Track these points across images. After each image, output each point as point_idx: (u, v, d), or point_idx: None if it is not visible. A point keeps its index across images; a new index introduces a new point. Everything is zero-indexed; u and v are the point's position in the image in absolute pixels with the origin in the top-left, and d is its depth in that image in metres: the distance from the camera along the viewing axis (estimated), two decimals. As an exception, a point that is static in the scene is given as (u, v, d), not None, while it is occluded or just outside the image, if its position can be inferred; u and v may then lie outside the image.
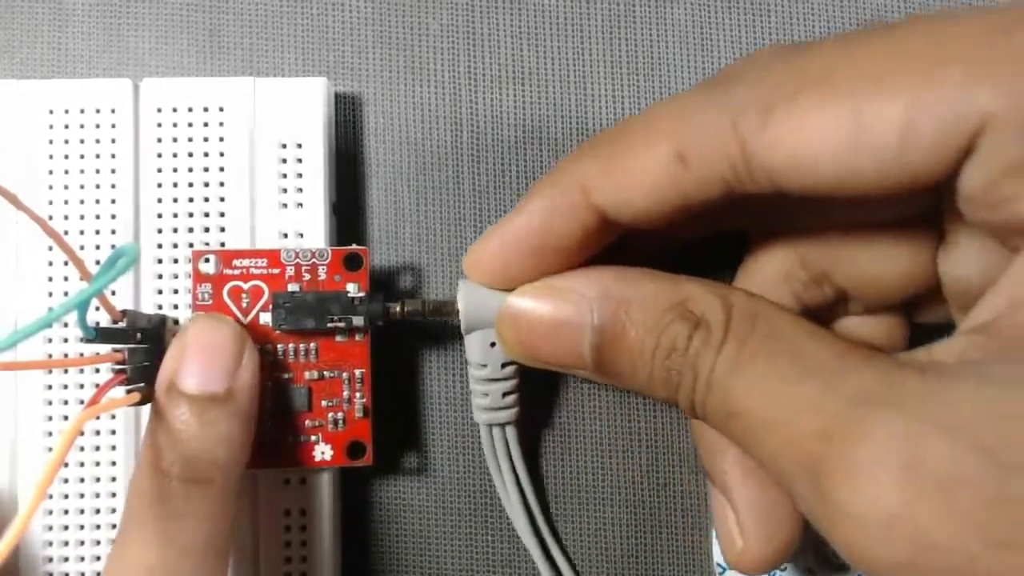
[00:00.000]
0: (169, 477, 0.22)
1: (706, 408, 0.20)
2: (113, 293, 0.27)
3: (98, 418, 0.27)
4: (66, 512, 0.27)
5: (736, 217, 0.25)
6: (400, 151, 0.31)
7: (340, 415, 0.26)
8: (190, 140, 0.28)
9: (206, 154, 0.28)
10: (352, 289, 0.26)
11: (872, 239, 0.23)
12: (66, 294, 0.27)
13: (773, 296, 0.23)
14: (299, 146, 0.28)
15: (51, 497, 0.27)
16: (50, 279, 0.27)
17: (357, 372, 0.26)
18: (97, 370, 0.27)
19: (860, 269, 0.24)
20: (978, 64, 0.17)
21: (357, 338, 0.26)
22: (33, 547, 0.27)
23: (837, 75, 0.18)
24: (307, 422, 0.26)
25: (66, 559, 0.27)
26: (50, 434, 0.27)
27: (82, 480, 0.27)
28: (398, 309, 0.26)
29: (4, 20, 0.31)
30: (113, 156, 0.28)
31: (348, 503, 0.29)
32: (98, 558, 0.27)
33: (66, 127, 0.28)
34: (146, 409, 0.27)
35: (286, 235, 0.28)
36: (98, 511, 0.27)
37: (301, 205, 0.28)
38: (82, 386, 0.27)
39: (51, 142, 0.28)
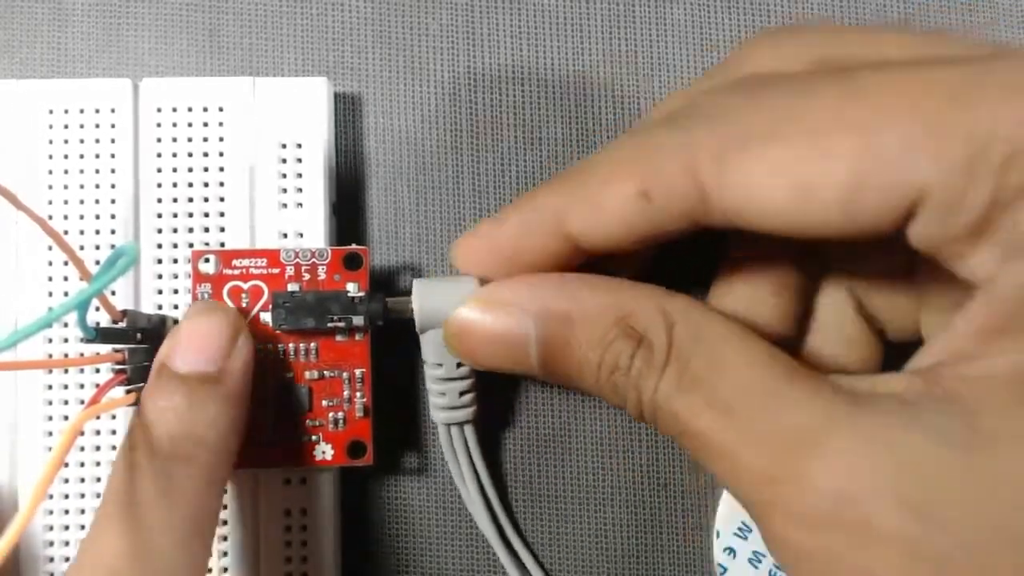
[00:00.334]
0: (154, 454, 0.22)
1: (656, 424, 0.21)
2: (113, 293, 0.27)
3: (98, 418, 0.27)
4: (66, 512, 0.27)
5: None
6: (400, 151, 0.31)
7: (340, 415, 0.26)
8: (190, 140, 0.28)
9: (206, 154, 0.28)
10: (352, 289, 0.26)
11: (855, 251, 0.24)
12: (66, 294, 0.27)
13: (759, 281, 0.24)
14: (299, 146, 0.28)
15: (51, 497, 0.27)
16: (50, 279, 0.27)
17: (357, 372, 0.26)
18: (97, 370, 0.27)
19: (842, 262, 0.25)
20: (917, 133, 0.17)
21: (357, 338, 0.26)
22: (33, 547, 0.27)
23: (789, 125, 0.19)
24: (307, 422, 0.26)
25: (66, 559, 0.27)
26: (50, 434, 0.27)
27: (82, 480, 0.27)
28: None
29: (4, 20, 0.31)
30: (113, 156, 0.28)
31: (348, 503, 0.29)
32: (98, 558, 0.27)
33: (66, 127, 0.28)
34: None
35: (286, 235, 0.28)
36: (98, 511, 0.27)
37: (301, 205, 0.28)
38: (82, 386, 0.27)
39: (51, 142, 0.28)
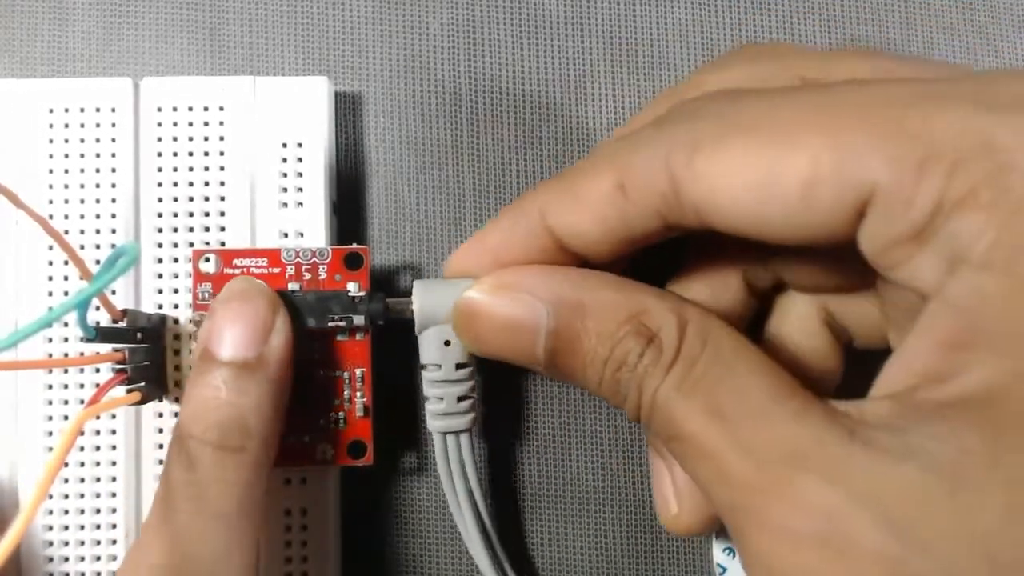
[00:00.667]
0: (202, 443, 0.23)
1: (650, 424, 0.21)
2: (113, 293, 0.27)
3: (98, 418, 0.27)
4: (66, 512, 0.27)
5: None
6: (400, 151, 0.31)
7: (341, 414, 0.26)
8: (190, 139, 0.28)
9: (206, 153, 0.28)
10: (352, 288, 0.26)
11: (813, 252, 0.24)
12: (66, 294, 0.27)
13: (720, 273, 0.25)
14: (299, 145, 0.28)
15: (51, 497, 0.27)
16: (50, 279, 0.27)
17: (358, 371, 0.26)
18: (97, 370, 0.27)
19: (800, 273, 0.25)
20: (874, 134, 0.18)
21: (358, 337, 0.26)
22: (34, 547, 0.27)
23: (761, 124, 0.19)
24: (308, 422, 0.26)
25: (66, 559, 0.27)
26: (50, 434, 0.27)
27: (82, 480, 0.27)
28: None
29: (4, 19, 0.31)
30: (113, 155, 0.28)
31: (348, 503, 0.29)
32: (98, 558, 0.27)
33: (66, 126, 0.28)
34: (147, 409, 0.27)
35: (286, 234, 0.28)
36: (98, 511, 0.27)
37: (301, 204, 0.28)
38: (82, 386, 0.27)
39: (51, 141, 0.28)
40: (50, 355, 0.27)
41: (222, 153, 0.28)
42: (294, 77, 0.29)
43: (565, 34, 0.32)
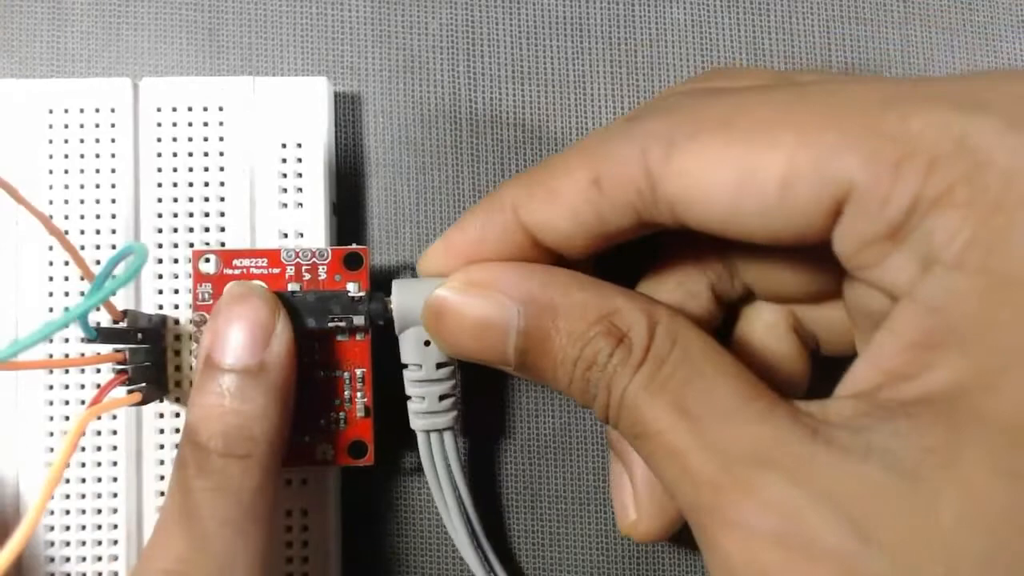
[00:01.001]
0: (208, 451, 0.23)
1: (618, 424, 0.21)
2: (113, 293, 0.27)
3: (99, 418, 0.27)
4: (67, 512, 0.27)
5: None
6: (400, 150, 0.31)
7: (341, 415, 0.26)
8: (190, 140, 0.28)
9: (206, 154, 0.28)
10: (352, 289, 0.26)
11: (783, 258, 0.24)
12: (66, 294, 0.27)
13: (688, 281, 0.25)
14: (299, 145, 0.28)
15: (52, 498, 0.27)
16: (50, 279, 0.27)
17: (358, 371, 0.26)
18: (98, 370, 0.27)
19: (769, 280, 0.25)
20: (852, 133, 0.18)
21: (358, 337, 0.26)
22: (35, 547, 0.27)
23: (738, 120, 0.19)
24: (308, 422, 0.26)
25: (67, 559, 0.27)
26: (51, 434, 0.27)
27: (83, 480, 0.27)
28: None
29: (3, 19, 0.31)
30: (113, 156, 0.28)
31: (349, 503, 0.29)
32: (99, 558, 0.27)
33: (66, 127, 0.28)
34: (148, 410, 0.27)
35: (286, 235, 0.28)
36: (99, 511, 0.27)
37: (301, 205, 0.28)
38: (83, 386, 0.27)
39: (51, 142, 0.28)
40: (51, 356, 0.27)
41: (222, 153, 0.28)
42: (293, 77, 0.29)
43: (565, 34, 0.32)
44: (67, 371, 0.27)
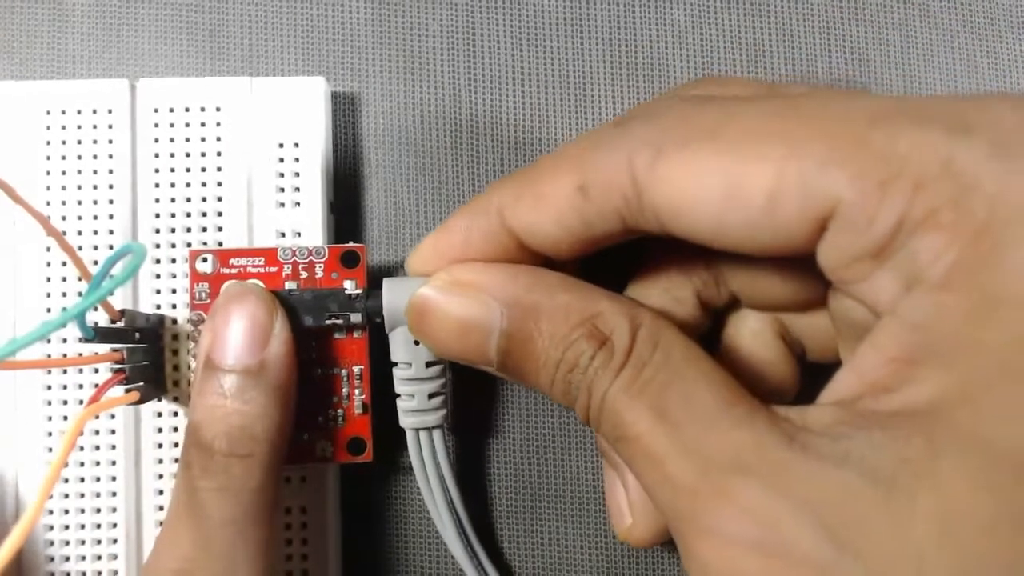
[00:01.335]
0: (211, 451, 0.23)
1: (600, 427, 0.21)
2: (111, 293, 0.27)
3: (97, 418, 0.27)
4: (66, 512, 0.27)
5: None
6: (399, 151, 0.31)
7: (340, 412, 0.26)
8: (187, 140, 0.28)
9: (203, 154, 0.28)
10: (349, 286, 0.26)
11: (769, 267, 0.24)
12: (64, 294, 0.27)
13: (674, 287, 0.25)
14: (296, 145, 0.28)
15: (52, 497, 0.27)
16: (48, 279, 0.27)
17: (356, 369, 0.26)
18: (96, 370, 0.27)
19: (755, 288, 0.25)
20: (840, 149, 0.18)
21: (355, 335, 0.26)
22: (34, 546, 0.27)
23: (725, 130, 0.19)
24: (307, 419, 0.26)
25: (67, 558, 0.27)
26: (50, 434, 0.27)
27: (82, 480, 0.27)
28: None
29: (3, 20, 0.31)
30: (110, 156, 0.28)
31: (348, 500, 0.29)
32: (99, 557, 0.27)
33: (63, 128, 0.28)
34: (146, 409, 0.27)
35: (284, 234, 0.28)
36: (98, 510, 0.27)
37: (299, 204, 0.28)
38: (81, 386, 0.27)
39: (48, 143, 0.28)
40: (49, 355, 0.27)
41: (219, 153, 0.28)
42: (290, 77, 0.29)
43: (565, 36, 0.32)
44: (65, 371, 0.27)
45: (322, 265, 0.26)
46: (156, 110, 0.28)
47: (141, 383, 0.25)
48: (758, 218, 0.19)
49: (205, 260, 0.26)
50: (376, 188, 0.31)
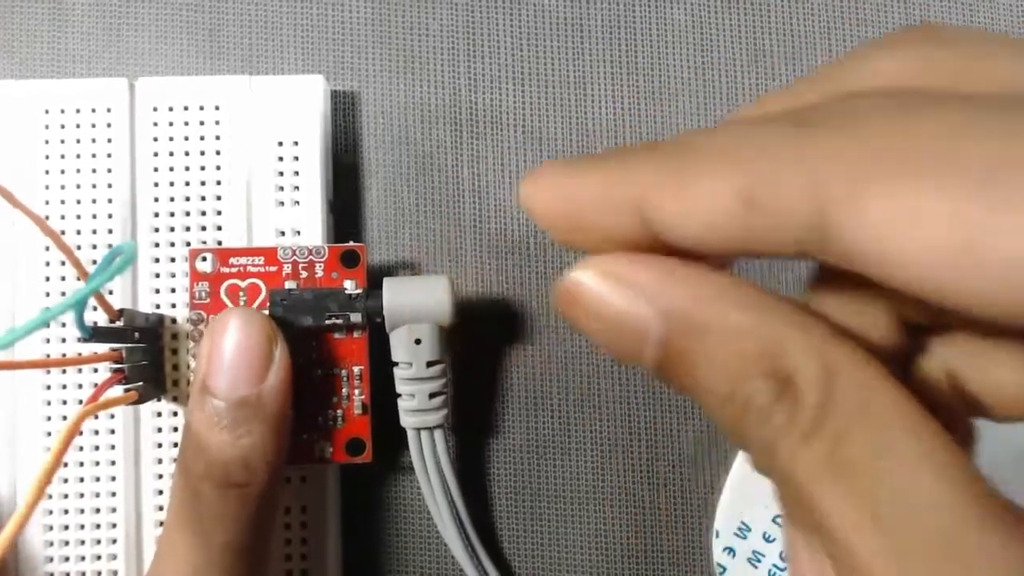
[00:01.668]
0: (205, 480, 0.23)
1: (781, 496, 0.17)
2: (110, 292, 0.27)
3: (96, 418, 0.27)
4: (66, 512, 0.27)
5: None
6: (399, 150, 0.31)
7: (339, 412, 0.26)
8: (186, 139, 0.28)
9: (202, 153, 0.28)
10: (349, 286, 0.26)
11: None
12: (63, 294, 0.27)
13: (870, 302, 0.19)
14: (295, 144, 0.28)
15: (51, 497, 0.27)
16: (47, 279, 0.27)
17: (356, 369, 0.26)
18: (95, 369, 0.27)
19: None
20: None
21: (355, 335, 0.26)
22: (32, 547, 0.27)
23: (960, 160, 0.14)
24: (306, 420, 0.26)
25: (66, 559, 0.27)
26: (49, 434, 0.27)
27: (81, 480, 0.27)
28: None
29: (3, 20, 0.31)
30: (109, 156, 0.28)
31: (348, 500, 0.29)
32: (98, 557, 0.27)
33: (62, 127, 0.28)
34: (145, 409, 0.27)
35: (283, 233, 0.28)
36: (98, 511, 0.27)
37: (298, 203, 0.28)
38: (80, 386, 0.27)
39: (47, 142, 0.28)
40: (48, 355, 0.27)
41: (218, 152, 0.28)
42: (289, 76, 0.29)
43: (565, 35, 0.32)
44: (64, 371, 0.27)
45: (322, 265, 0.26)
46: (155, 109, 0.28)
47: (140, 383, 0.25)
48: (1014, 288, 0.13)
49: (205, 259, 0.26)
50: (376, 188, 0.31)
